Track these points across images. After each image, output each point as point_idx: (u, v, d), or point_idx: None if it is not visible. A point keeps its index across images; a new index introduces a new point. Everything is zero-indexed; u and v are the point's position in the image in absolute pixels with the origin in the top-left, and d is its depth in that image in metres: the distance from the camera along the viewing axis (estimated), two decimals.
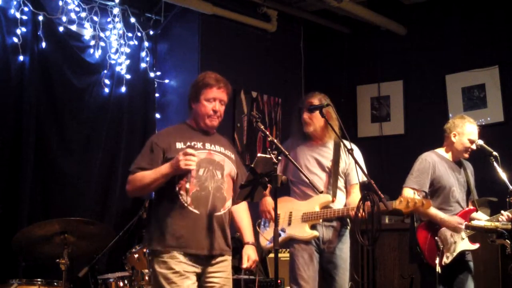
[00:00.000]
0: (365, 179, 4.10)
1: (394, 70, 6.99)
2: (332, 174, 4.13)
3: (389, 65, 7.02)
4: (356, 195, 4.13)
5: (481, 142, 4.45)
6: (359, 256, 6.08)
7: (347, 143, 3.97)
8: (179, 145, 3.39)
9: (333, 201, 4.09)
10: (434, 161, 4.47)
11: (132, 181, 3.38)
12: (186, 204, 3.32)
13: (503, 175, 4.29)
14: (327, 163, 4.16)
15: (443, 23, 6.71)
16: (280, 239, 4.04)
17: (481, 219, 4.46)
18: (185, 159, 3.24)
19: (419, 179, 4.41)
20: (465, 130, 4.46)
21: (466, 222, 4.37)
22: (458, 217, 4.37)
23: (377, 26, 6.90)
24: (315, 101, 4.15)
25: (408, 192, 4.32)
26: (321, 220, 4.07)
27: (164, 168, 3.32)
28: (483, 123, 6.12)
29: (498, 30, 6.34)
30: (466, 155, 4.49)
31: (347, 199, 4.18)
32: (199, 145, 3.44)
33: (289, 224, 4.12)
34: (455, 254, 4.34)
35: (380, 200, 3.53)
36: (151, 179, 3.33)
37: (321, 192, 3.87)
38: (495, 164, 4.33)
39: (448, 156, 4.54)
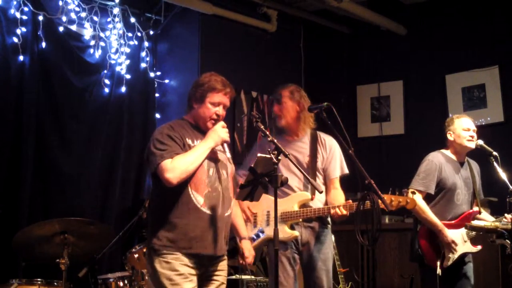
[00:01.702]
0: (346, 172, 4.06)
1: (394, 70, 6.99)
2: (310, 170, 3.96)
3: (389, 65, 7.02)
4: (337, 191, 4.02)
5: (481, 142, 4.43)
6: (359, 256, 6.08)
7: (326, 136, 3.90)
8: (189, 141, 3.35)
9: (312, 198, 3.94)
10: (440, 163, 4.43)
11: (174, 166, 3.18)
12: (199, 205, 3.28)
13: (503, 175, 4.27)
14: (304, 158, 4.00)
15: (443, 23, 6.71)
16: (259, 240, 3.95)
17: (488, 220, 4.42)
18: (225, 131, 3.30)
19: (425, 181, 4.38)
20: (457, 124, 4.47)
21: (466, 223, 4.36)
22: (454, 236, 4.32)
23: (377, 26, 6.90)
24: (285, 93, 4.04)
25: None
26: (300, 220, 3.92)
27: (207, 142, 3.28)
28: (483, 123, 6.13)
29: (498, 30, 6.35)
30: (470, 145, 4.42)
31: (327, 196, 4.02)
32: None
33: (268, 224, 3.97)
34: (456, 256, 4.32)
35: (381, 200, 3.52)
36: (197, 155, 3.23)
37: (321, 192, 3.83)
38: (495, 164, 4.32)
39: (454, 156, 4.52)
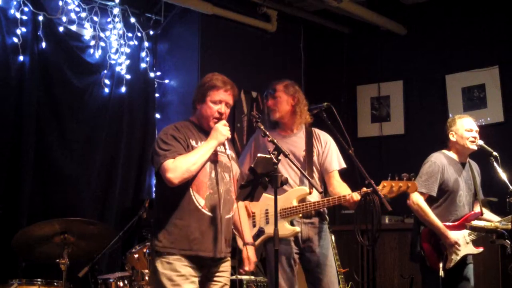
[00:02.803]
0: (344, 166, 4.02)
1: (394, 70, 6.99)
2: (307, 165, 3.92)
3: (389, 65, 7.02)
4: (340, 183, 3.95)
5: (481, 142, 4.44)
6: (359, 256, 6.08)
7: (320, 132, 3.91)
8: (193, 142, 3.36)
9: (310, 192, 3.89)
10: (443, 164, 4.42)
11: (176, 165, 3.20)
12: (200, 207, 3.29)
13: (503, 175, 4.28)
14: (300, 153, 3.97)
15: (443, 23, 6.71)
16: (259, 240, 3.92)
17: (492, 220, 4.42)
18: (227, 129, 3.31)
19: (427, 183, 4.37)
20: (459, 124, 4.47)
21: (466, 223, 4.36)
22: (457, 237, 4.32)
23: (377, 26, 6.90)
24: (280, 87, 4.02)
25: (416, 197, 4.29)
26: (300, 215, 3.88)
27: (210, 142, 3.30)
28: (483, 123, 6.13)
29: (498, 30, 6.34)
30: (473, 146, 4.42)
31: (330, 189, 3.96)
32: None
33: (267, 222, 3.93)
34: (458, 258, 4.32)
35: (380, 200, 3.52)
36: (200, 156, 3.24)
37: (321, 192, 3.82)
38: (495, 164, 4.32)
39: (456, 157, 4.51)
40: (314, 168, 3.96)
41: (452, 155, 4.52)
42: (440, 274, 4.21)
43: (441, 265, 4.24)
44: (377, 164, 6.69)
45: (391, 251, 6.05)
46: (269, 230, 3.88)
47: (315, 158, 3.98)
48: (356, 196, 3.71)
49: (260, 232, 3.95)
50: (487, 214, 4.55)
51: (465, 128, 4.44)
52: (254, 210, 4.00)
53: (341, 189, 3.90)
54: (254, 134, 4.22)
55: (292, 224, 3.89)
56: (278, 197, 3.63)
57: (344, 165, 4.04)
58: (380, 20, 6.81)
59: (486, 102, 6.34)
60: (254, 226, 3.99)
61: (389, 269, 6.02)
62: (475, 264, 4.53)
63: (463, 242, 4.34)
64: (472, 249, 4.37)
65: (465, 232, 4.37)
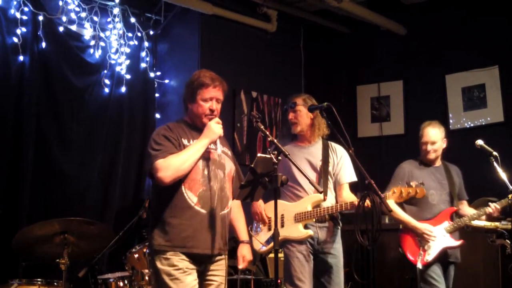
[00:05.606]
0: (355, 179, 4.23)
1: (394, 70, 6.99)
2: (323, 174, 4.14)
3: (389, 65, 7.02)
4: (349, 194, 4.17)
5: (481, 142, 4.47)
6: (359, 256, 6.07)
7: (336, 145, 4.09)
8: (185, 141, 3.38)
9: (324, 199, 4.09)
10: (410, 167, 4.63)
11: (168, 164, 3.22)
12: (192, 204, 3.31)
13: (503, 175, 4.30)
14: (317, 162, 4.17)
15: (443, 23, 6.71)
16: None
17: (467, 213, 4.56)
18: (219, 127, 3.34)
19: (394, 186, 4.44)
20: (420, 133, 4.68)
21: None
22: (429, 225, 4.47)
23: (377, 26, 6.90)
24: (299, 101, 4.21)
25: None
26: (314, 220, 4.07)
27: (202, 140, 3.32)
28: (483, 123, 6.13)
29: (498, 30, 6.34)
30: (429, 156, 4.62)
31: (339, 198, 4.19)
32: None
33: (282, 226, 4.11)
34: (437, 252, 4.43)
35: (381, 200, 3.53)
36: (191, 154, 3.27)
37: (321, 192, 3.86)
38: (495, 164, 4.34)
39: (424, 160, 4.69)
40: (329, 177, 4.17)
41: (422, 159, 4.70)
42: (418, 267, 4.33)
43: (419, 258, 4.37)
44: (377, 164, 6.68)
45: (391, 251, 6.04)
46: (284, 233, 4.07)
47: (330, 168, 4.18)
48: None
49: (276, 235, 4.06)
50: (465, 208, 4.68)
51: (422, 140, 4.64)
52: (270, 215, 4.16)
53: (349, 198, 4.11)
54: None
55: (306, 227, 4.08)
56: (292, 203, 4.12)
57: (355, 179, 4.23)
58: (380, 20, 6.81)
59: (486, 102, 6.33)
60: (269, 229, 4.17)
61: (389, 269, 6.02)
62: (475, 264, 4.54)
63: (440, 235, 4.45)
64: (450, 241, 4.47)
65: (443, 226, 4.49)
